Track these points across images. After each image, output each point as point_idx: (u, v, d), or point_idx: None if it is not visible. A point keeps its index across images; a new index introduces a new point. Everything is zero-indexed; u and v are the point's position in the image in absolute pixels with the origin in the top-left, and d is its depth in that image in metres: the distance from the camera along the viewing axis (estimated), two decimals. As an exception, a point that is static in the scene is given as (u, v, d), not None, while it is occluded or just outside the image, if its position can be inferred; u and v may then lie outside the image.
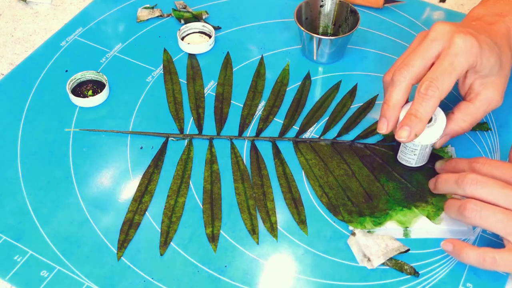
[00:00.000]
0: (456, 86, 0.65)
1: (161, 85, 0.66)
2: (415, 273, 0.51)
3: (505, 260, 0.47)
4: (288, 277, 0.51)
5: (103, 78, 0.65)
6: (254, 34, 0.72)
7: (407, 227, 0.54)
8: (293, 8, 0.67)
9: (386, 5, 0.75)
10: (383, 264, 0.51)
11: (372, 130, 0.61)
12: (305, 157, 0.59)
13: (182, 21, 0.73)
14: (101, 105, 0.64)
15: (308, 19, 0.69)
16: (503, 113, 0.63)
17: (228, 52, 0.70)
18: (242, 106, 0.64)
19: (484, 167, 0.51)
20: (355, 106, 0.64)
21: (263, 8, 0.76)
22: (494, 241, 0.52)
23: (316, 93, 0.66)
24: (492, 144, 0.60)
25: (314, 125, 0.62)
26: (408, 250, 0.52)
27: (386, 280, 0.51)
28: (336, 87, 0.66)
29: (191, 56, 0.69)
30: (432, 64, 0.51)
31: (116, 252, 0.52)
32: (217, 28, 0.72)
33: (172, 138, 0.61)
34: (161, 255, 0.52)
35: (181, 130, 0.62)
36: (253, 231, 0.54)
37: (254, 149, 0.60)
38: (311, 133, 0.62)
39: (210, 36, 0.71)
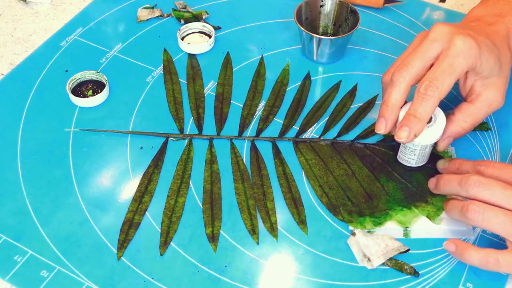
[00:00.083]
0: (456, 87, 0.65)
1: (161, 85, 0.66)
2: (415, 273, 0.51)
3: (508, 261, 0.47)
4: (288, 277, 0.51)
5: (103, 78, 0.65)
6: (254, 34, 0.72)
7: (407, 227, 0.54)
8: (293, 8, 0.67)
9: (386, 5, 0.75)
10: (383, 264, 0.51)
11: (372, 130, 0.61)
12: (305, 157, 0.59)
13: (182, 21, 0.73)
14: (101, 105, 0.64)
15: (308, 19, 0.69)
16: (503, 113, 0.63)
17: (228, 52, 0.70)
18: (242, 106, 0.64)
19: (488, 169, 0.51)
20: (355, 106, 0.64)
21: (263, 8, 0.76)
22: (494, 241, 0.53)
23: (316, 93, 0.66)
24: (492, 144, 0.60)
25: (314, 125, 0.62)
26: (408, 250, 0.52)
27: (386, 280, 0.51)
28: (336, 87, 0.66)
29: (191, 56, 0.69)
30: (431, 65, 0.52)
31: (116, 252, 0.52)
32: (217, 28, 0.72)
33: (172, 138, 0.61)
34: (161, 255, 0.52)
35: (181, 130, 0.62)
36: (253, 231, 0.54)
37: (254, 149, 0.60)
38: (311, 133, 0.62)
39: (210, 36, 0.71)
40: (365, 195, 0.56)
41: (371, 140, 0.61)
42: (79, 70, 0.66)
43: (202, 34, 0.72)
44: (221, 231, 0.54)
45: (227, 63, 0.69)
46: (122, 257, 0.52)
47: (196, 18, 0.73)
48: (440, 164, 0.56)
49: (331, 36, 0.70)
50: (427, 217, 0.54)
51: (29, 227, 0.54)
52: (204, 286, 0.50)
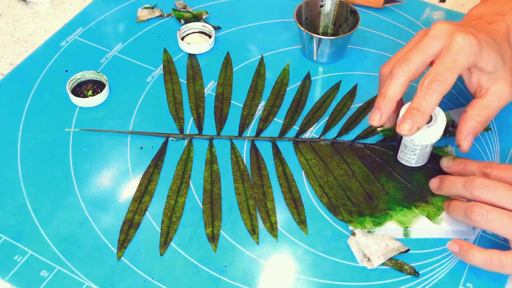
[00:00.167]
0: (456, 86, 0.65)
1: (161, 85, 0.66)
2: (415, 273, 0.51)
3: None
4: (288, 277, 0.51)
5: (103, 78, 0.65)
6: (254, 34, 0.72)
7: (407, 227, 0.54)
8: (293, 8, 0.67)
9: (386, 5, 0.75)
10: (383, 264, 0.51)
11: (372, 130, 0.61)
12: (305, 157, 0.59)
13: (182, 21, 0.73)
14: (101, 105, 0.64)
15: (308, 19, 0.69)
16: (503, 113, 0.62)
17: (228, 52, 0.70)
18: (242, 106, 0.64)
19: (494, 171, 0.51)
20: (355, 106, 0.64)
21: (263, 8, 0.76)
22: (494, 241, 0.53)
23: (316, 93, 0.66)
24: (492, 144, 0.60)
25: (314, 125, 0.62)
26: (408, 250, 0.52)
27: (386, 280, 0.51)
28: (336, 87, 0.66)
29: (191, 56, 0.69)
30: (431, 62, 0.52)
31: (116, 252, 0.52)
32: (217, 28, 0.72)
33: (172, 138, 0.61)
34: (161, 255, 0.52)
35: (181, 130, 0.62)
36: (253, 231, 0.54)
37: (254, 149, 0.60)
38: (311, 133, 0.62)
39: (210, 36, 0.71)
40: (365, 195, 0.56)
41: (371, 140, 0.61)
42: (79, 70, 0.66)
43: (202, 34, 0.72)
44: (221, 231, 0.54)
45: (227, 63, 0.69)
46: (122, 257, 0.52)
47: (196, 18, 0.73)
48: (444, 163, 0.56)
49: (331, 36, 0.70)
50: (427, 217, 0.54)
51: (29, 227, 0.54)
52: (204, 286, 0.50)
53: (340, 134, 0.61)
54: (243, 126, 0.62)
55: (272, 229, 0.54)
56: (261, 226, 0.54)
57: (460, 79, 0.66)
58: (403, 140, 0.55)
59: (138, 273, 0.51)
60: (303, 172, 0.58)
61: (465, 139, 0.54)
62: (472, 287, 0.50)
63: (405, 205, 0.55)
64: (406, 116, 0.51)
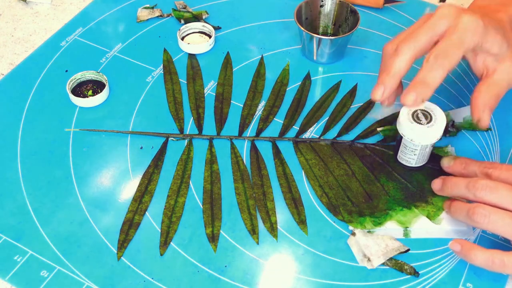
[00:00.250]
0: (455, 85, 0.65)
1: (161, 85, 0.66)
2: (415, 273, 0.51)
3: None
4: (288, 277, 0.51)
5: (103, 78, 0.65)
6: (254, 34, 0.72)
7: (407, 227, 0.54)
8: (293, 8, 0.67)
9: (386, 5, 0.75)
10: (383, 264, 0.51)
11: (372, 130, 0.61)
12: (305, 157, 0.59)
13: (182, 21, 0.73)
14: (101, 105, 0.64)
15: (308, 19, 0.69)
16: (503, 113, 0.63)
17: (228, 52, 0.70)
18: (242, 106, 0.64)
19: (496, 172, 0.50)
20: (355, 106, 0.64)
21: (263, 8, 0.76)
22: (494, 241, 0.53)
23: (316, 93, 0.66)
24: (492, 144, 0.60)
25: (314, 125, 0.62)
26: (408, 250, 0.52)
27: (386, 280, 0.51)
28: (336, 87, 0.66)
29: (191, 56, 0.69)
30: (436, 42, 0.52)
31: (116, 252, 0.52)
32: (217, 28, 0.72)
33: (172, 138, 0.61)
34: (161, 255, 0.52)
35: (181, 130, 0.62)
36: (253, 231, 0.54)
37: (254, 149, 0.60)
38: (311, 133, 0.62)
39: (210, 36, 0.71)
40: (365, 195, 0.56)
41: (371, 140, 0.61)
42: (79, 70, 0.66)
43: (202, 34, 0.72)
44: (221, 231, 0.54)
45: (227, 63, 0.69)
46: (122, 257, 0.52)
47: (196, 18, 0.73)
48: (445, 163, 0.55)
49: (331, 36, 0.70)
50: (427, 217, 0.54)
51: (29, 227, 0.54)
52: (204, 286, 0.50)
53: (340, 134, 0.61)
54: (243, 126, 0.62)
55: (272, 229, 0.54)
56: (261, 226, 0.54)
57: (460, 76, 0.66)
58: (403, 140, 0.55)
59: (138, 273, 0.51)
60: (303, 172, 0.58)
61: (484, 112, 0.53)
62: (472, 287, 0.50)
63: (405, 205, 0.55)
64: (410, 88, 0.51)
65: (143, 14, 0.74)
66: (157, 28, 0.73)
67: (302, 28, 0.65)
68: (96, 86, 0.66)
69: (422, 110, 0.54)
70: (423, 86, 0.50)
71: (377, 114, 0.63)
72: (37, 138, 0.61)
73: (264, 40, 0.72)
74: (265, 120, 0.63)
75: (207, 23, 0.72)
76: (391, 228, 0.54)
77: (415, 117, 0.53)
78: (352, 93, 0.65)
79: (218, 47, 0.71)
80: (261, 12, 0.75)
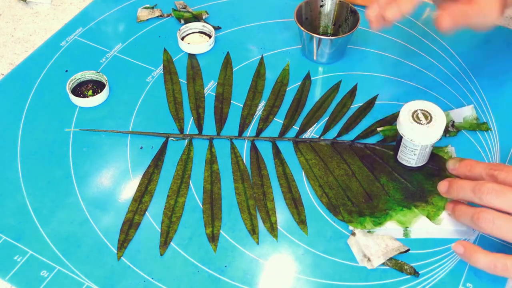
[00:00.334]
0: (454, 85, 0.65)
1: (161, 85, 0.66)
2: (415, 273, 0.51)
3: None
4: (288, 277, 0.51)
5: (103, 78, 0.65)
6: (254, 34, 0.72)
7: (407, 227, 0.54)
8: (293, 8, 0.67)
9: (386, 5, 0.75)
10: (383, 264, 0.51)
11: (372, 130, 0.61)
12: (305, 157, 0.59)
13: (182, 21, 0.73)
14: (101, 105, 0.64)
15: (308, 19, 0.69)
16: (503, 113, 0.63)
17: (228, 52, 0.70)
18: (242, 106, 0.64)
19: (502, 174, 0.50)
20: (355, 106, 0.64)
21: (263, 8, 0.76)
22: (494, 241, 0.52)
23: (316, 93, 0.66)
24: (492, 144, 0.60)
25: (314, 125, 0.62)
26: (408, 250, 0.52)
27: (386, 280, 0.51)
28: (336, 87, 0.66)
29: (191, 56, 0.69)
30: None
31: (116, 252, 0.52)
32: (217, 28, 0.72)
33: (172, 138, 0.61)
34: (161, 255, 0.52)
35: (181, 130, 0.62)
36: (253, 231, 0.54)
37: (254, 149, 0.60)
38: (311, 133, 0.62)
39: (210, 36, 0.71)
40: (365, 195, 0.56)
41: (371, 140, 0.61)
42: (79, 70, 0.66)
43: (202, 34, 0.72)
44: (221, 231, 0.54)
45: (227, 63, 0.69)
46: (122, 257, 0.52)
47: (196, 18, 0.73)
48: (451, 165, 0.54)
49: (331, 36, 0.70)
50: (427, 217, 0.54)
51: (29, 227, 0.54)
52: (204, 286, 0.50)
53: (340, 134, 0.61)
54: (243, 126, 0.62)
55: (272, 229, 0.54)
56: (261, 226, 0.54)
57: (460, 76, 0.66)
58: (403, 140, 0.55)
59: (138, 273, 0.51)
60: (303, 172, 0.58)
61: (442, 16, 0.53)
62: (472, 287, 0.50)
63: (405, 205, 0.55)
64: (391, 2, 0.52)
65: (143, 14, 0.74)
66: (157, 28, 0.73)
67: (302, 28, 0.65)
68: (96, 86, 0.66)
69: (422, 110, 0.54)
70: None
71: (377, 114, 0.63)
72: (37, 138, 0.61)
73: (264, 40, 0.72)
74: (265, 120, 0.63)
75: (207, 23, 0.73)
76: (391, 228, 0.54)
77: (415, 117, 0.53)
78: (352, 93, 0.65)
79: (218, 47, 0.71)
80: (261, 12, 0.75)
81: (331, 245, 0.53)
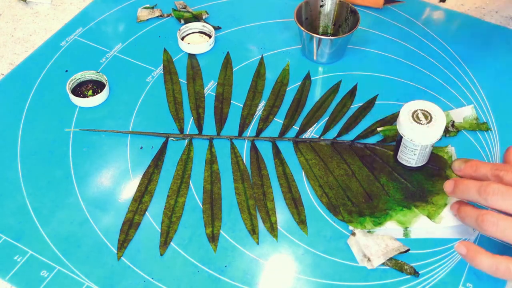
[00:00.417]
0: (455, 85, 0.65)
1: (161, 85, 0.66)
2: (415, 273, 0.51)
3: None
4: (288, 277, 0.51)
5: (103, 78, 0.65)
6: (254, 34, 0.72)
7: (407, 227, 0.54)
8: (293, 8, 0.67)
9: (386, 5, 0.75)
10: (383, 264, 0.51)
11: (372, 130, 0.61)
12: (305, 157, 0.59)
13: (182, 21, 0.73)
14: (101, 105, 0.64)
15: (308, 19, 0.69)
16: (503, 113, 0.63)
17: (228, 52, 0.70)
18: (242, 106, 0.64)
19: (508, 175, 0.49)
20: (355, 106, 0.64)
21: (263, 8, 0.76)
22: (494, 241, 0.52)
23: (316, 93, 0.66)
24: (492, 144, 0.60)
25: (314, 125, 0.62)
26: (408, 250, 0.52)
27: (386, 280, 0.51)
28: (336, 87, 0.66)
29: (191, 56, 0.69)
30: None
31: (116, 252, 0.52)
32: (217, 28, 0.72)
33: (172, 138, 0.61)
34: (161, 255, 0.52)
35: (181, 130, 0.62)
36: (253, 231, 0.54)
37: (254, 149, 0.60)
38: (311, 133, 0.62)
39: (210, 36, 0.71)
40: (365, 195, 0.56)
41: (371, 140, 0.61)
42: (79, 70, 0.66)
43: (202, 34, 0.72)
44: (221, 231, 0.54)
45: (227, 63, 0.69)
46: (122, 257, 0.52)
47: (196, 18, 0.73)
48: (456, 166, 0.54)
49: (331, 36, 0.70)
50: (427, 216, 0.54)
51: (29, 227, 0.54)
52: (204, 286, 0.50)
53: (340, 134, 0.61)
54: (243, 126, 0.62)
55: (272, 229, 0.54)
56: (261, 226, 0.54)
57: (460, 76, 0.66)
58: (403, 140, 0.55)
59: (138, 273, 0.51)
60: (303, 172, 0.58)
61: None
62: (472, 287, 0.50)
63: (405, 205, 0.55)
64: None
65: (143, 14, 0.74)
66: (157, 28, 0.73)
67: (302, 28, 0.65)
68: (96, 86, 0.66)
69: (422, 110, 0.54)
70: None
71: (377, 114, 0.63)
72: (37, 138, 0.61)
73: (264, 40, 0.72)
74: (265, 120, 0.63)
75: (207, 23, 0.72)
76: (391, 228, 0.54)
77: (415, 117, 0.53)
78: (352, 93, 0.65)
79: (218, 47, 0.71)
80: (261, 12, 0.75)
81: (331, 245, 0.53)
